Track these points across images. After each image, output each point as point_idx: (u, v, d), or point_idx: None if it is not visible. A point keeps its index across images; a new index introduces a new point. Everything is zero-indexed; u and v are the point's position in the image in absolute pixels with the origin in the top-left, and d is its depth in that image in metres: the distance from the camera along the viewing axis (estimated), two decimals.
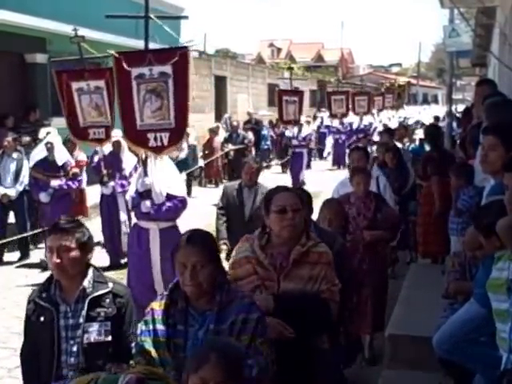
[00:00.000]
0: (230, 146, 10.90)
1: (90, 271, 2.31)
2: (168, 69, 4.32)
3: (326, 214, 3.25)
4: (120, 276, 5.05)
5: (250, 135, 13.43)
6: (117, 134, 6.24)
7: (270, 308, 2.19)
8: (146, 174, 4.52)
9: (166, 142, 4.41)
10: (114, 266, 6.33)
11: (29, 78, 9.80)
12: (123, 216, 6.52)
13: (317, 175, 14.01)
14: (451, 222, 4.23)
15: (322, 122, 18.40)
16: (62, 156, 6.59)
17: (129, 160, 6.60)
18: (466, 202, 3.85)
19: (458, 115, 12.30)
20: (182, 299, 2.01)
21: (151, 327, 2.01)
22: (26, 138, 7.39)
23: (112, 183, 6.50)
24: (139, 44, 14.17)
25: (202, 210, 9.22)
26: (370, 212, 3.89)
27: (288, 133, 12.25)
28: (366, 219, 3.87)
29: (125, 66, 4.40)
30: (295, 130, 11.88)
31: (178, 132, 4.46)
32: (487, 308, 2.36)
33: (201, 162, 11.78)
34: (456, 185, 4.31)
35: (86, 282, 2.26)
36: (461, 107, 16.97)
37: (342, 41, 36.56)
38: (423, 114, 22.16)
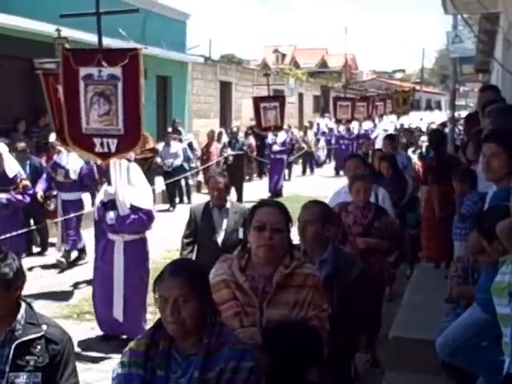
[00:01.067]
0: (229, 152, 10.88)
1: (22, 309, 1.95)
2: (118, 71, 4.06)
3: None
4: None
5: (251, 140, 13.34)
6: None
7: (257, 343, 1.94)
8: (109, 183, 4.25)
9: (113, 148, 4.15)
10: None
11: (38, 83, 9.87)
12: None
13: (320, 181, 14.05)
14: (455, 227, 4.24)
15: (318, 129, 18.28)
16: (12, 167, 5.89)
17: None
18: (470, 207, 3.86)
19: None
20: (165, 340, 1.73)
21: (127, 370, 1.73)
22: (21, 144, 6.86)
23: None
24: (147, 49, 14.22)
25: None
26: (366, 220, 3.63)
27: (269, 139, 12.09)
28: (361, 226, 3.61)
29: (72, 64, 4.14)
30: (282, 134, 11.85)
31: (129, 139, 4.16)
32: (490, 313, 2.38)
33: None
34: (460, 190, 4.33)
35: (16, 323, 1.92)
36: (464, 113, 16.96)
37: (346, 46, 36.52)
38: (424, 120, 22.13)
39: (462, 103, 23.95)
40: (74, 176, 6.52)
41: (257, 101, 10.98)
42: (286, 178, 13.54)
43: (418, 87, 30.81)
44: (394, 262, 4.65)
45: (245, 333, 1.95)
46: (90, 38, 10.59)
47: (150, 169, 9.59)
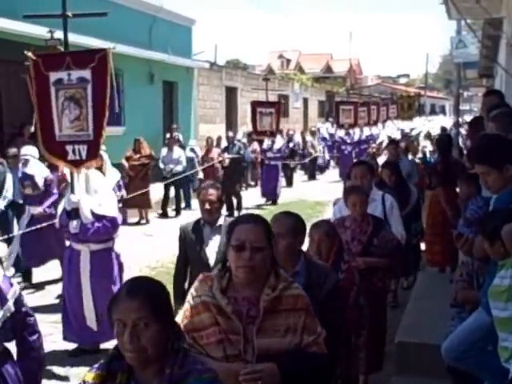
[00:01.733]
0: (226, 156, 10.89)
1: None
2: (87, 74, 3.98)
3: (313, 236, 2.81)
4: None
5: (255, 145, 13.24)
6: None
7: None
8: (72, 190, 4.10)
9: (84, 155, 4.06)
10: None
11: None
12: None
13: (324, 186, 14.07)
14: (460, 231, 4.25)
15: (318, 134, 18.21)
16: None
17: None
18: (475, 211, 3.86)
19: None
20: (123, 371, 1.55)
21: None
22: (13, 150, 6.70)
23: None
24: (152, 54, 14.25)
25: None
26: (365, 236, 3.43)
27: (264, 145, 11.94)
28: (360, 244, 3.42)
29: (42, 69, 4.04)
30: (279, 141, 11.72)
31: (96, 145, 4.11)
32: None
33: (201, 175, 11.49)
34: (465, 194, 4.34)
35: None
36: (468, 117, 16.95)
37: (351, 52, 36.62)
38: (427, 125, 21.99)
39: (466, 108, 23.95)
40: (42, 186, 5.93)
41: (254, 105, 11.05)
42: (284, 184, 13.37)
43: (422, 92, 30.83)
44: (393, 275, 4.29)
45: (230, 368, 1.76)
46: (94, 42, 10.71)
47: (146, 175, 9.58)
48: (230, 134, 12.08)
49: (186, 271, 3.39)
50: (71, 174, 4.15)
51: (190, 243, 3.35)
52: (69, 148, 4.08)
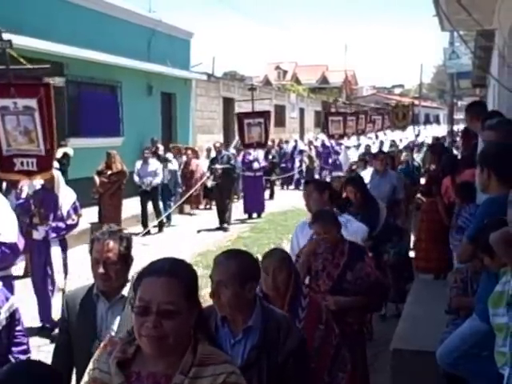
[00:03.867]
0: (218, 166, 10.28)
1: None
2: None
3: (267, 268, 2.32)
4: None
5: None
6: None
7: None
8: None
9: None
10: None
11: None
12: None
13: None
14: (453, 239, 4.30)
15: (295, 146, 17.32)
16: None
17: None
18: (467, 219, 3.93)
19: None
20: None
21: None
22: None
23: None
24: (151, 66, 14.32)
25: (184, 239, 8.92)
26: (337, 270, 2.91)
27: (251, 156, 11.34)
28: (330, 279, 2.90)
29: None
30: (259, 152, 11.21)
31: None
32: (489, 323, 2.41)
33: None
34: (457, 203, 4.41)
35: None
36: (462, 127, 17.05)
37: (346, 63, 36.92)
38: (418, 135, 21.50)
39: (460, 117, 24.10)
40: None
41: (241, 117, 10.62)
42: (266, 197, 12.94)
43: (416, 102, 31.04)
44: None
45: None
46: (94, 55, 10.71)
47: (118, 190, 8.81)
48: (217, 144, 11.43)
49: (70, 358, 2.24)
50: None
51: (75, 322, 2.24)
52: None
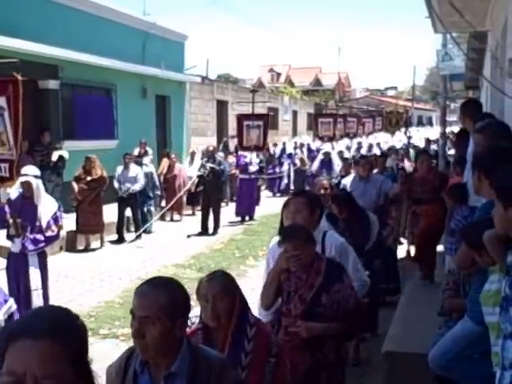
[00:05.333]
0: (210, 165, 9.92)
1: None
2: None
3: (207, 294, 2.05)
4: None
5: (231, 159, 12.71)
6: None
7: None
8: None
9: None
10: None
11: (42, 103, 10.12)
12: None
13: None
14: (446, 241, 4.30)
15: (283, 150, 16.27)
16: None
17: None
18: (459, 221, 3.93)
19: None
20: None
21: None
22: None
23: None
24: (145, 69, 14.32)
25: (174, 244, 8.78)
26: (311, 291, 2.50)
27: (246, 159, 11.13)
28: (302, 302, 2.50)
29: None
30: (253, 155, 11.04)
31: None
32: (481, 325, 2.41)
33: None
34: (450, 206, 4.41)
35: None
36: (455, 128, 17.12)
37: (339, 65, 37.09)
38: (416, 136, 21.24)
39: (453, 119, 24.25)
40: None
41: (241, 119, 10.59)
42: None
43: (409, 104, 31.21)
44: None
45: None
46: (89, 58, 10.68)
47: (97, 197, 8.49)
48: (210, 147, 10.64)
49: None
50: None
51: None
52: None
